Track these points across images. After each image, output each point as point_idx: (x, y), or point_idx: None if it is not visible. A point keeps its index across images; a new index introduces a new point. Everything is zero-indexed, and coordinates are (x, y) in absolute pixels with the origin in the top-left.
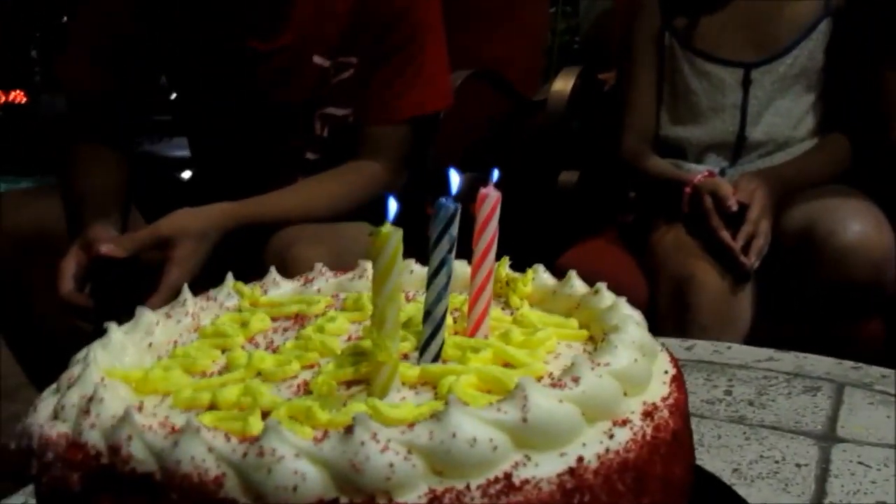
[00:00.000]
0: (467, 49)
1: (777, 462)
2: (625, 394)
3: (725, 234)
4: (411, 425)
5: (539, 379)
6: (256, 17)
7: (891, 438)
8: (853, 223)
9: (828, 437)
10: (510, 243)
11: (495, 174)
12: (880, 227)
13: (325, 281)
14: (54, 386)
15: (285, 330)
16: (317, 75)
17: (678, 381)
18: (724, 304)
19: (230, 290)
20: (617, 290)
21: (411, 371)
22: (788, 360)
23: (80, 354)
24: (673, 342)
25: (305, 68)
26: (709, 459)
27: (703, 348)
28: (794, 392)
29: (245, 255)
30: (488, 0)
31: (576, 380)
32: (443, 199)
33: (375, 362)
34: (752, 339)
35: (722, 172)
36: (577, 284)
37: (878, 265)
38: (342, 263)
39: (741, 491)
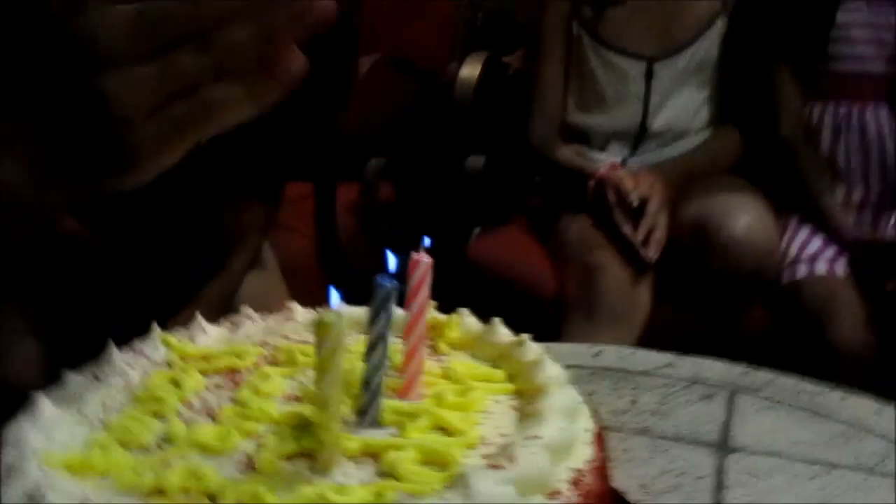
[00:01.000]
0: (374, 34)
1: (678, 476)
2: (553, 464)
3: (627, 228)
4: None
5: (473, 447)
6: None
7: (777, 446)
8: (740, 217)
9: (722, 447)
10: (423, 228)
11: (426, 241)
12: (765, 220)
13: (252, 326)
14: None
15: (218, 387)
16: None
17: (599, 438)
18: (626, 292)
19: (157, 343)
20: (527, 277)
21: (353, 443)
22: (686, 365)
23: (13, 434)
24: (581, 349)
25: None
26: (618, 476)
27: (608, 355)
28: (692, 400)
29: None
30: None
31: (511, 459)
32: (380, 279)
33: (318, 441)
34: (652, 324)
35: (623, 162)
36: (501, 332)
37: (762, 257)
38: None
39: None
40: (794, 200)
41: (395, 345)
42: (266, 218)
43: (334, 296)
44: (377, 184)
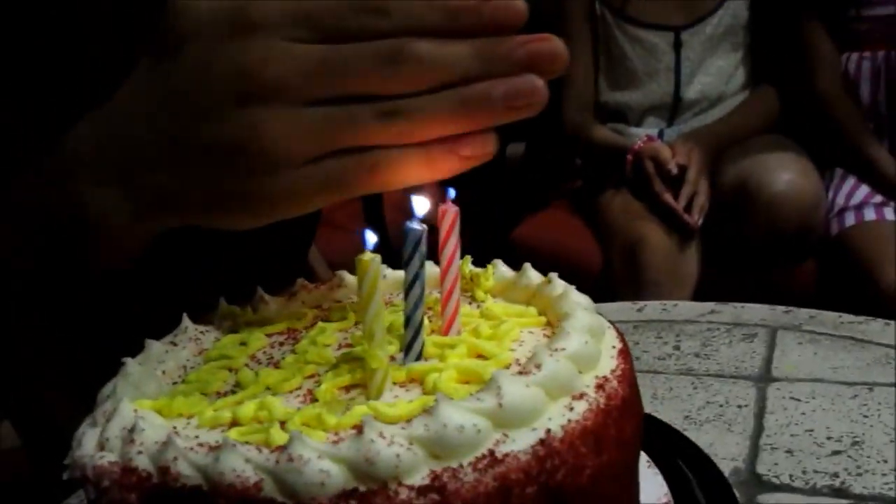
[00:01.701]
0: None
1: (721, 406)
2: (580, 371)
3: (668, 197)
4: (409, 421)
5: (507, 367)
6: None
7: (817, 373)
8: (782, 174)
9: (763, 378)
10: (466, 222)
11: (451, 192)
12: (807, 175)
13: (307, 294)
14: (90, 420)
15: (281, 345)
16: None
17: (624, 353)
18: (672, 261)
19: (224, 313)
20: (572, 257)
21: (399, 372)
22: (728, 311)
23: (107, 390)
24: (626, 306)
25: None
26: (663, 410)
27: (652, 308)
28: (734, 341)
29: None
30: None
31: (538, 366)
32: (409, 223)
33: (369, 369)
34: (700, 291)
35: (660, 134)
36: (532, 275)
37: (807, 211)
38: None
39: (692, 435)
40: (836, 154)
41: (435, 296)
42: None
43: (370, 237)
44: None
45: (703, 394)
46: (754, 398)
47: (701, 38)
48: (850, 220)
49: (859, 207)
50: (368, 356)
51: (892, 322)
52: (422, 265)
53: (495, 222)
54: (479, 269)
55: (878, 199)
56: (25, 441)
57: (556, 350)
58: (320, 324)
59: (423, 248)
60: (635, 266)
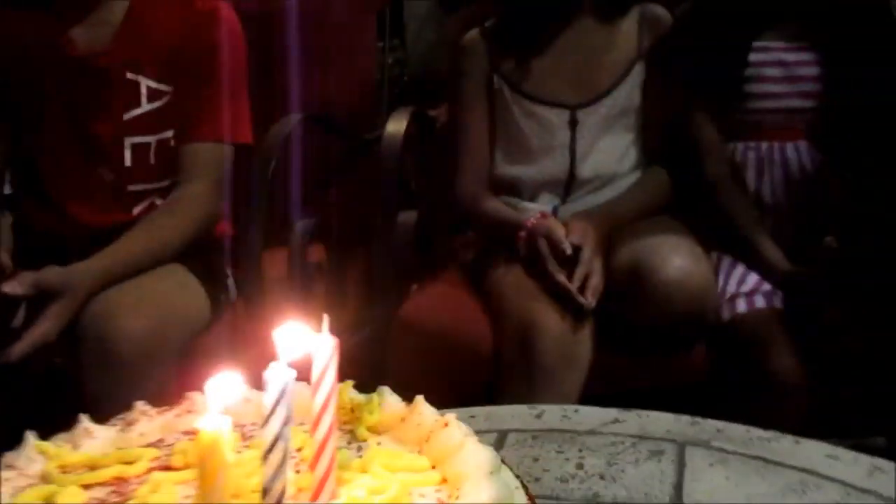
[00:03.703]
0: (298, 93)
1: None
2: None
3: (562, 278)
4: None
5: None
6: (80, 19)
7: (733, 500)
8: (674, 260)
9: None
10: (351, 293)
11: (326, 320)
12: (699, 261)
13: (148, 423)
14: None
15: (101, 502)
16: (130, 92)
17: None
18: (566, 345)
19: (33, 453)
20: (463, 337)
21: None
22: (632, 420)
23: None
24: (523, 411)
25: (119, 84)
26: None
27: (551, 415)
28: (640, 459)
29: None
30: (313, 41)
31: None
32: (274, 366)
33: None
34: (593, 375)
35: (555, 211)
36: (425, 413)
37: (698, 298)
38: (167, 335)
39: None
40: (725, 239)
41: (304, 433)
42: None
43: (225, 382)
44: (306, 246)
45: None
46: None
47: (596, 118)
48: (741, 306)
49: (750, 294)
50: None
51: (801, 439)
52: (287, 422)
53: (386, 293)
54: (361, 398)
55: (767, 286)
56: None
57: None
58: (154, 475)
59: (290, 399)
60: (528, 350)
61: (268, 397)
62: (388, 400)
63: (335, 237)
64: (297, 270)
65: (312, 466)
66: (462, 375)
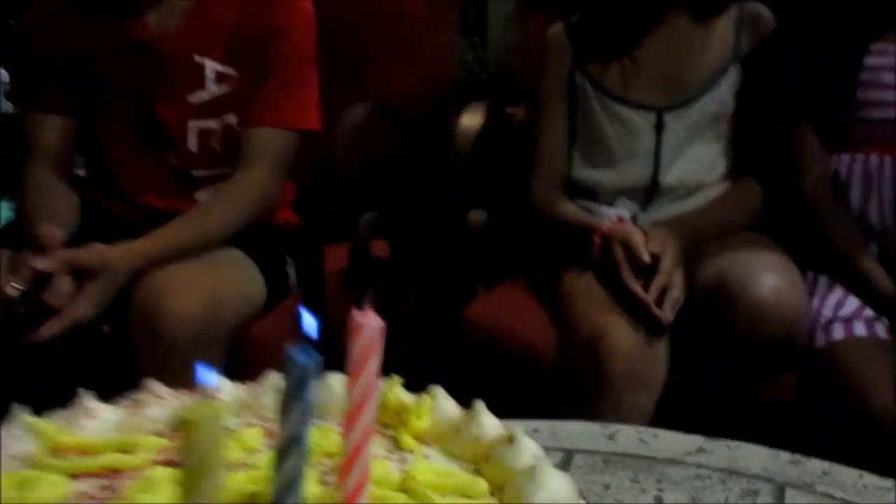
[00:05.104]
0: (369, 82)
1: None
2: None
3: (637, 287)
4: None
5: None
6: (150, 3)
7: None
8: (766, 278)
9: None
10: (420, 287)
11: (371, 296)
12: (793, 281)
13: (159, 406)
14: None
15: (87, 497)
16: (195, 75)
17: None
18: (637, 363)
19: (20, 430)
20: (526, 344)
21: None
22: (720, 451)
23: None
24: (594, 430)
25: (185, 65)
26: None
27: (627, 438)
28: (731, 497)
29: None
30: (392, 31)
31: None
32: (293, 351)
33: None
34: (665, 397)
35: (634, 218)
36: (486, 423)
37: (791, 321)
38: (219, 318)
39: None
40: (822, 260)
41: (335, 434)
42: None
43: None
44: (369, 240)
45: None
46: None
47: (684, 123)
48: (838, 333)
49: (848, 321)
50: None
51: None
52: (305, 421)
53: (449, 294)
54: (409, 399)
55: (869, 313)
56: None
57: None
58: (154, 471)
59: (310, 393)
60: (595, 364)
61: (283, 390)
62: (442, 404)
63: (401, 233)
64: (358, 262)
65: (342, 478)
66: (524, 387)
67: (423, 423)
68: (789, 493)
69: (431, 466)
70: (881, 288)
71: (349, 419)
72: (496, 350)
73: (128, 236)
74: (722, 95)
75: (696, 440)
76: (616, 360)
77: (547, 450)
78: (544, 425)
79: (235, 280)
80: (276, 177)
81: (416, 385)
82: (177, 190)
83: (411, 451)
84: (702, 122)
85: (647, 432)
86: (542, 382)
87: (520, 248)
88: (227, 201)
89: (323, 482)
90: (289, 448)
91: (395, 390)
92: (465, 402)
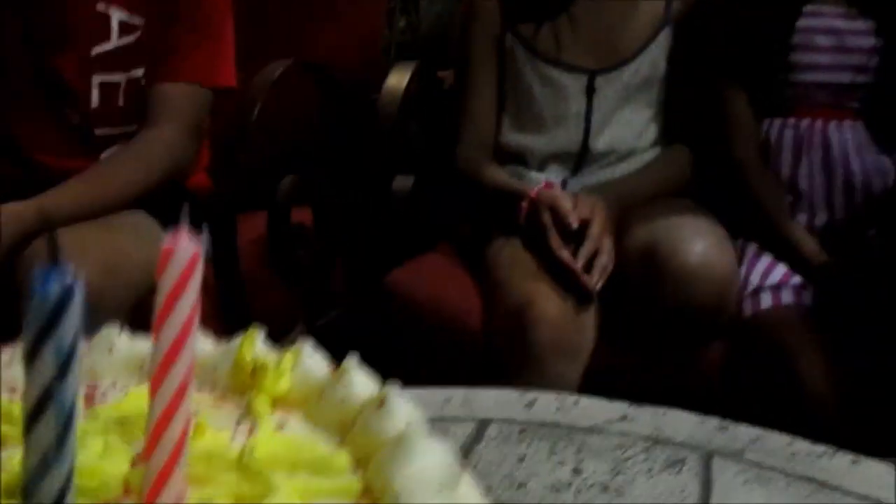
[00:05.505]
0: (290, 40)
1: None
2: None
3: (565, 254)
4: None
5: None
6: None
7: None
8: (696, 244)
9: None
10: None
11: (185, 211)
12: (723, 248)
13: None
14: None
15: None
16: (99, 25)
17: None
18: (564, 332)
19: None
20: (450, 312)
21: None
22: (645, 419)
23: None
24: (510, 397)
25: (87, 14)
26: None
27: (545, 405)
28: (655, 468)
29: None
30: None
31: None
32: (40, 277)
33: None
34: (595, 366)
35: (563, 183)
36: (355, 384)
37: (721, 287)
38: (116, 285)
39: None
40: (751, 226)
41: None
42: None
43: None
44: (289, 206)
45: None
46: None
47: (616, 87)
48: (766, 301)
49: (776, 288)
50: None
51: (859, 458)
52: (61, 371)
53: (374, 262)
54: (269, 356)
55: (797, 280)
56: None
57: None
58: None
59: (69, 332)
60: (521, 332)
61: (26, 327)
62: (306, 362)
63: (323, 198)
64: (276, 230)
65: (145, 456)
66: (448, 357)
67: (282, 384)
68: (717, 462)
69: (282, 438)
70: (809, 254)
71: (155, 381)
72: (419, 318)
73: (24, 199)
74: (654, 59)
75: (620, 407)
76: (543, 328)
77: (459, 419)
78: (458, 393)
79: (136, 245)
80: (187, 136)
81: (341, 357)
82: (77, 150)
83: (260, 420)
84: (633, 86)
85: (568, 399)
86: (469, 352)
87: (448, 215)
88: (133, 160)
89: (136, 461)
90: (40, 413)
91: (254, 346)
92: (389, 374)
